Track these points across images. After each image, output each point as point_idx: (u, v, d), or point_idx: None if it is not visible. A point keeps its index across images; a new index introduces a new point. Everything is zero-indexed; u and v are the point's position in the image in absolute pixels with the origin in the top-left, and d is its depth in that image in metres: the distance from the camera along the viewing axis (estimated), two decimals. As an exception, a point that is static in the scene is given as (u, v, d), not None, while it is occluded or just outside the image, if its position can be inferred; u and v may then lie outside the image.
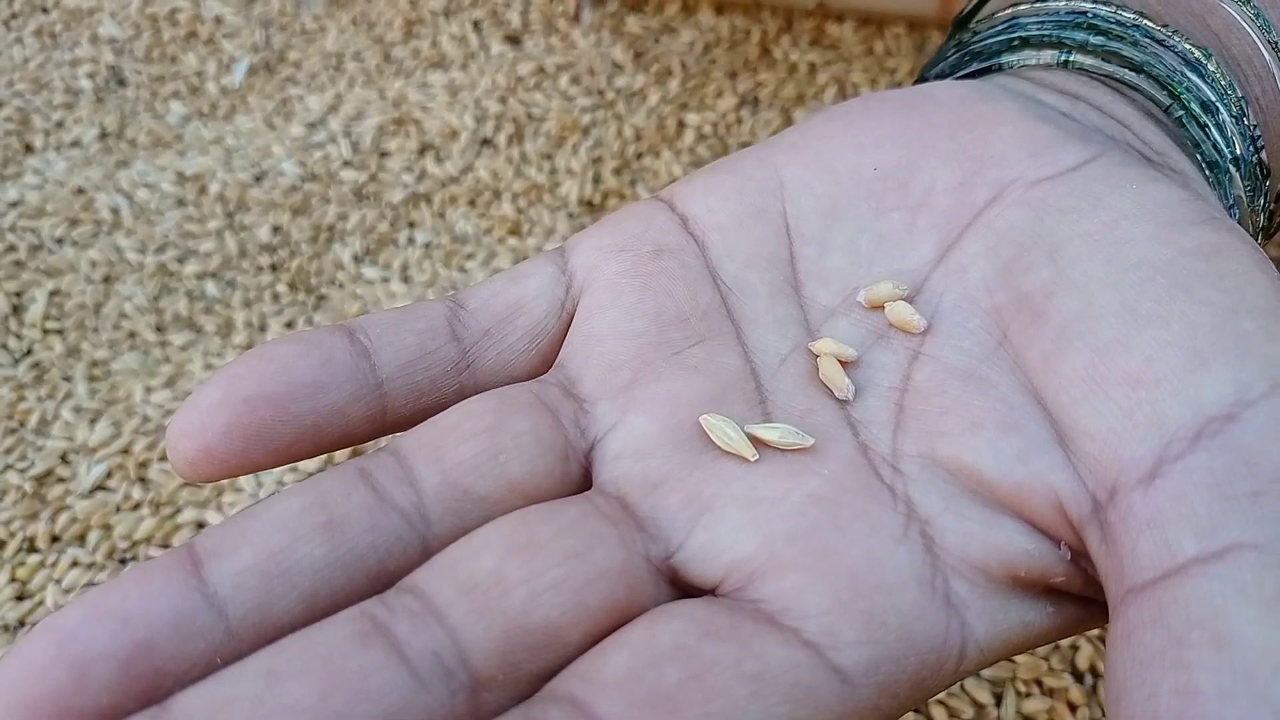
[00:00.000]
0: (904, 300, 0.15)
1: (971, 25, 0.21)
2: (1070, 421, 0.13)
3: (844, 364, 0.15)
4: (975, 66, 0.20)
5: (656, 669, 0.12)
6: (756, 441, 0.14)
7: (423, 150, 0.35)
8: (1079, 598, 0.14)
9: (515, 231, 0.33)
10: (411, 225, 0.33)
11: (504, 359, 0.16)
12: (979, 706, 0.23)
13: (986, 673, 0.23)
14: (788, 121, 0.35)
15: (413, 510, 0.14)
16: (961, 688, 0.23)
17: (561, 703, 0.12)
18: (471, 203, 0.34)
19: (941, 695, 0.23)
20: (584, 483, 0.15)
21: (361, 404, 0.15)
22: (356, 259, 0.32)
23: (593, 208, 0.34)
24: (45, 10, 0.39)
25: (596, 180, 0.34)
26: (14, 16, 0.39)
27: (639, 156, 0.35)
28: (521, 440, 0.14)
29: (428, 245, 0.32)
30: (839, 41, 0.37)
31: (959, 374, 0.15)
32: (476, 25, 0.39)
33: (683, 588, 0.14)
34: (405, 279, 0.32)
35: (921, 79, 0.21)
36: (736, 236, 0.17)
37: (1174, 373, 0.13)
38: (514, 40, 0.39)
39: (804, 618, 0.12)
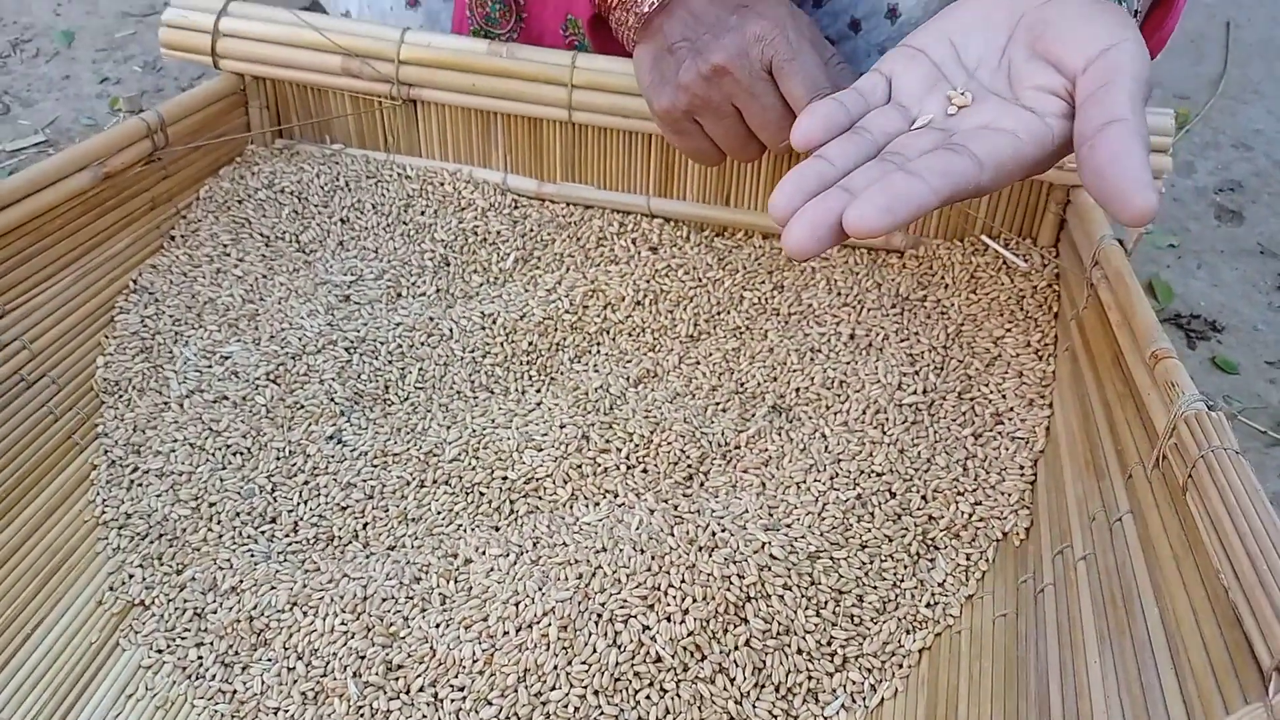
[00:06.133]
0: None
1: None
2: (1060, 53, 0.40)
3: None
4: None
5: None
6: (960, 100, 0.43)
7: (606, 306, 0.64)
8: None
9: (652, 350, 0.62)
10: (598, 344, 0.63)
11: None
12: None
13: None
14: (798, 295, 0.64)
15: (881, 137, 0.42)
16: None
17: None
18: (630, 334, 0.63)
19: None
20: None
21: None
22: (570, 360, 0.62)
23: (693, 339, 0.63)
24: (405, 223, 0.71)
25: (695, 325, 0.63)
26: (390, 225, 0.71)
27: (718, 314, 0.64)
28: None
29: (606, 354, 0.62)
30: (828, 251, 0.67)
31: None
32: (634, 241, 0.68)
33: None
34: (595, 371, 0.61)
35: None
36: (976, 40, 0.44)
37: (1096, 36, 0.39)
38: (654, 249, 0.67)
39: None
